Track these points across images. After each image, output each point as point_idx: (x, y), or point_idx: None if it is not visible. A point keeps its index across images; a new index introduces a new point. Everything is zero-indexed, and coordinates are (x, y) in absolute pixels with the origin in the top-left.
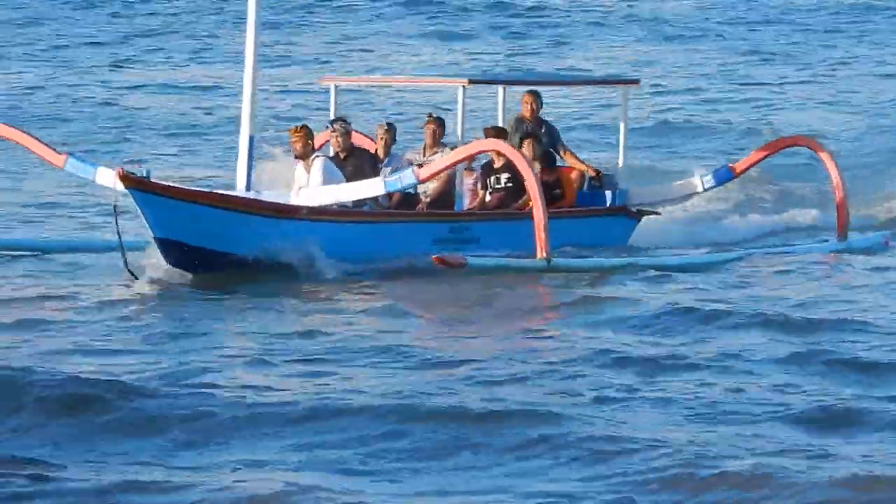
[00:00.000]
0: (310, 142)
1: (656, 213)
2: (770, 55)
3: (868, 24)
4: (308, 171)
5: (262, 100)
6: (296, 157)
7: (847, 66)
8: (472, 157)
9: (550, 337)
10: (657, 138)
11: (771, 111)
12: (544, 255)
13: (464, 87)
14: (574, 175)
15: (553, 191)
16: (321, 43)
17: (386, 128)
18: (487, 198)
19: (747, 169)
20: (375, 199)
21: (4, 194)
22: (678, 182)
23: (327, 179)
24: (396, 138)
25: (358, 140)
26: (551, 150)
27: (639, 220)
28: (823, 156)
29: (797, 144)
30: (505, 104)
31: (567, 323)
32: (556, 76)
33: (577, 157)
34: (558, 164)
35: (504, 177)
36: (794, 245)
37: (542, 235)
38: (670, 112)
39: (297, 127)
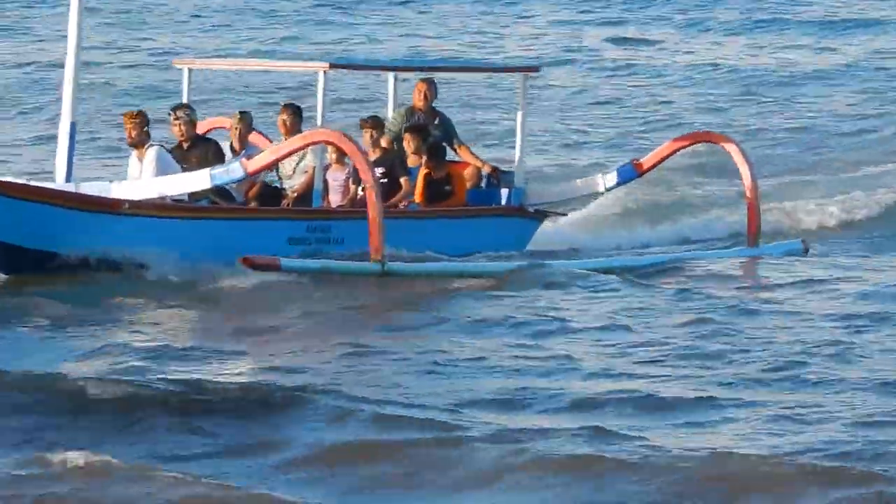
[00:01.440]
0: (145, 129)
1: (561, 214)
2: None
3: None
4: (141, 162)
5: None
6: (129, 145)
7: (772, 54)
8: (304, 148)
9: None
10: (559, 132)
11: (680, 104)
12: (378, 258)
13: (324, 72)
14: (468, 171)
15: (442, 188)
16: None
17: (239, 116)
18: (360, 193)
19: (654, 166)
20: (220, 193)
21: None
22: (579, 181)
23: (161, 171)
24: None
25: (254, 139)
26: (442, 143)
27: (541, 222)
28: (734, 152)
29: (707, 140)
30: (396, 92)
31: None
32: (445, 63)
33: (472, 153)
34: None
35: (378, 171)
36: (698, 252)
37: (378, 237)
38: (574, 102)
39: (132, 112)
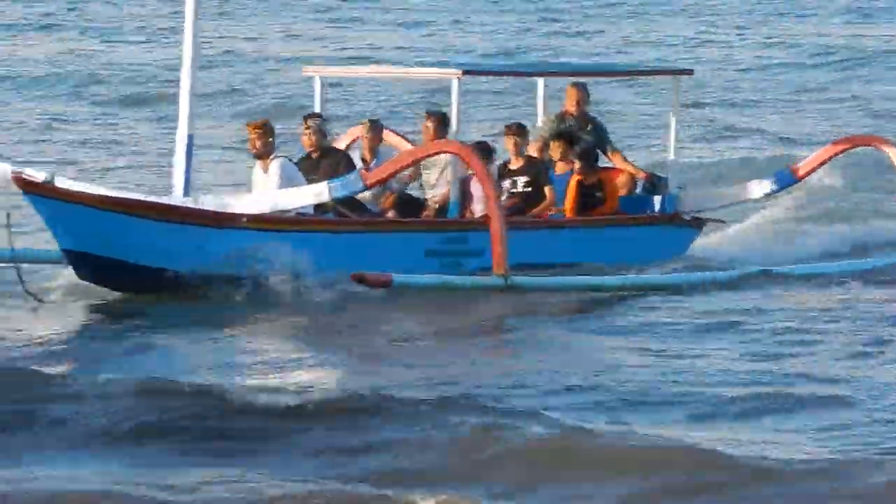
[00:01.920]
0: (270, 140)
1: (720, 222)
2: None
3: None
4: (266, 173)
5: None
6: (253, 156)
7: None
8: (425, 159)
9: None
10: (708, 137)
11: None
12: (501, 271)
13: (458, 78)
14: (622, 178)
15: (594, 195)
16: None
17: (368, 125)
18: (505, 202)
19: (812, 171)
20: (352, 205)
21: None
22: (734, 186)
23: (285, 183)
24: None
25: (391, 140)
26: (594, 149)
27: (699, 230)
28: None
29: (869, 144)
30: (546, 97)
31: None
32: (590, 66)
33: (626, 159)
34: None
35: (522, 180)
36: (867, 261)
37: (499, 249)
38: (721, 106)
39: (256, 122)
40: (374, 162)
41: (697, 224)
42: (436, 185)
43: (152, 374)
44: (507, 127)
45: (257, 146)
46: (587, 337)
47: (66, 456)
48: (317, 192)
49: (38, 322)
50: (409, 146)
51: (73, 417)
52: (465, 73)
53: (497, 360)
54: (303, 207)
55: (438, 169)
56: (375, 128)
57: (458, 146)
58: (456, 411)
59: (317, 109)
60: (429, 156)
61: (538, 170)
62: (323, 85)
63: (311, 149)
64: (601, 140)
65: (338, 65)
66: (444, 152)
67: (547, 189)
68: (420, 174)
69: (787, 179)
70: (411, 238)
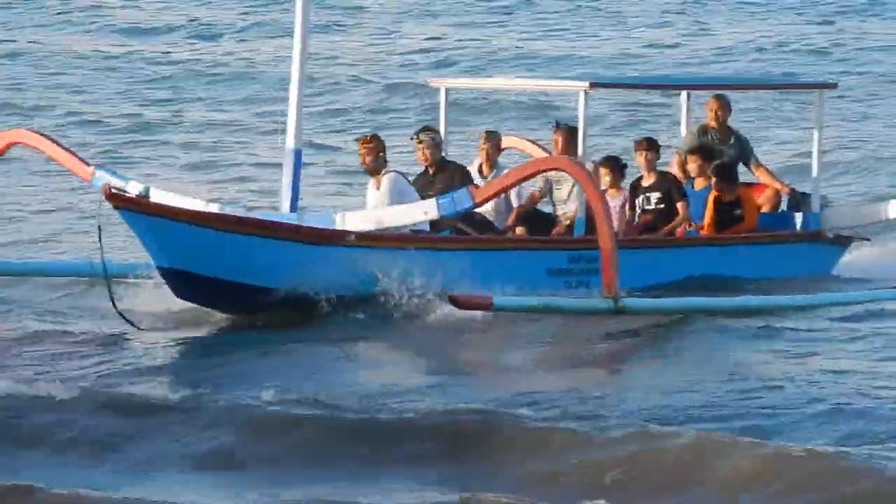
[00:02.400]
0: (381, 154)
1: (865, 240)
2: None
3: None
4: (378, 190)
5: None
6: (365, 171)
7: None
8: (534, 176)
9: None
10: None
11: None
12: (611, 294)
13: (585, 91)
14: (765, 195)
15: (732, 212)
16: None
17: (485, 136)
18: (636, 220)
19: None
20: (473, 221)
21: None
22: (875, 205)
23: (397, 199)
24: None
25: (525, 148)
26: (731, 163)
27: (844, 248)
28: None
29: None
30: (689, 110)
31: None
32: (723, 79)
33: (770, 174)
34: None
35: (654, 196)
36: None
37: (611, 271)
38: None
39: (366, 137)
40: (492, 174)
41: (843, 241)
42: (567, 200)
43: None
44: (636, 142)
45: (367, 161)
46: (722, 350)
47: (187, 478)
48: (425, 209)
49: (135, 343)
50: (541, 154)
51: (191, 442)
52: (593, 85)
53: (635, 376)
54: (416, 225)
55: (570, 184)
56: (492, 138)
57: (568, 162)
58: (614, 429)
59: (441, 122)
60: (538, 172)
61: (670, 185)
62: (447, 97)
63: (427, 163)
64: (744, 153)
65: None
66: (553, 169)
67: (680, 205)
68: (552, 189)
69: None
70: (530, 256)
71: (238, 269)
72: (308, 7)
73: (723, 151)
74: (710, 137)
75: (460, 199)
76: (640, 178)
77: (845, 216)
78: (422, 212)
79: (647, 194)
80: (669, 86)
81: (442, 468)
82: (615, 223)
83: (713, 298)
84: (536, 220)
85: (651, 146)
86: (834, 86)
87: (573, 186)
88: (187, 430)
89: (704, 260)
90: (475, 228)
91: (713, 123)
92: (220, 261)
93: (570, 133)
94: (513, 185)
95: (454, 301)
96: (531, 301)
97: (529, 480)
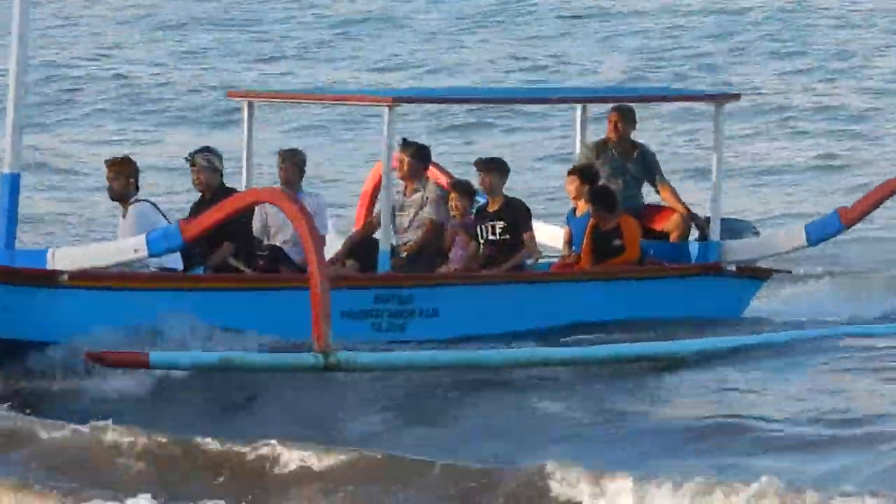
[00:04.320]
0: (131, 180)
1: (785, 272)
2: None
3: None
4: (125, 219)
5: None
6: (111, 198)
7: None
8: (243, 209)
9: None
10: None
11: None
12: (321, 347)
13: (389, 107)
14: (674, 220)
15: (611, 242)
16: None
17: (282, 156)
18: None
19: (863, 215)
20: (272, 257)
21: None
22: (780, 233)
23: (142, 232)
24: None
25: (434, 176)
26: (611, 189)
27: (760, 282)
28: None
29: None
30: (584, 124)
31: None
32: (582, 92)
33: (676, 195)
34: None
35: (499, 226)
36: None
37: (321, 322)
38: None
39: (115, 159)
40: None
41: (758, 275)
42: (409, 229)
43: None
44: (477, 162)
45: (115, 187)
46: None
47: None
48: (135, 247)
49: None
50: (439, 172)
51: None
52: (396, 100)
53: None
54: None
55: (413, 210)
56: (290, 157)
57: (270, 193)
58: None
59: (245, 138)
60: (254, 203)
61: (515, 213)
62: (251, 111)
63: (201, 188)
64: (649, 170)
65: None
66: (263, 201)
67: (526, 236)
68: (394, 216)
69: (835, 225)
70: (302, 297)
71: None
72: (27, 14)
73: (626, 169)
74: (609, 153)
75: (171, 236)
76: (487, 203)
77: (748, 247)
78: (132, 249)
79: (492, 223)
80: (483, 99)
81: None
82: (461, 254)
83: (469, 353)
84: (371, 251)
85: (489, 167)
86: (736, 97)
87: (415, 213)
88: None
89: (577, 297)
90: (277, 263)
91: (613, 136)
92: None
93: (417, 152)
94: (225, 218)
95: (99, 359)
96: (206, 357)
97: None
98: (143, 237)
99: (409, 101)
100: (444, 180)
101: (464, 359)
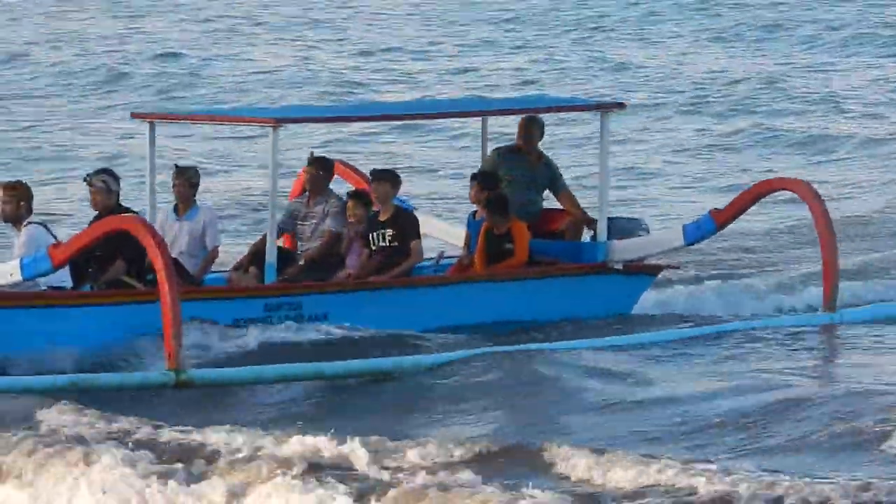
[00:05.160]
0: (23, 203)
1: (674, 268)
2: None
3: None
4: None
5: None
6: (5, 221)
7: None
8: (104, 237)
9: None
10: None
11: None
12: (173, 364)
13: (273, 127)
14: (568, 222)
15: (503, 245)
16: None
17: (175, 172)
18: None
19: (734, 217)
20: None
21: None
22: (656, 233)
23: (31, 252)
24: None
25: (355, 182)
26: (503, 195)
27: (649, 279)
28: (811, 202)
29: (783, 188)
30: (486, 134)
31: None
32: (484, 103)
33: (573, 200)
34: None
35: (388, 233)
36: (773, 318)
37: (171, 340)
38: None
39: (8, 184)
40: (185, 215)
41: (646, 271)
42: (311, 237)
43: None
44: (372, 172)
45: (7, 211)
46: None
47: None
48: (11, 271)
49: None
50: (351, 173)
51: None
52: (279, 121)
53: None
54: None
55: (314, 221)
56: (183, 174)
57: (130, 221)
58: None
59: (148, 159)
60: (109, 233)
61: (403, 222)
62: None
63: (98, 209)
64: (551, 179)
65: None
66: (121, 229)
67: (412, 244)
68: (296, 225)
69: (708, 226)
70: (208, 307)
71: None
72: None
73: (532, 176)
74: (516, 160)
75: (40, 260)
76: (379, 211)
77: (631, 246)
78: (8, 273)
79: (382, 230)
80: (367, 118)
81: None
82: (355, 261)
83: (300, 366)
84: (287, 261)
85: (382, 177)
86: (621, 105)
87: (317, 224)
88: None
89: (473, 299)
90: (180, 277)
91: (522, 144)
92: None
93: (320, 168)
94: (91, 243)
95: None
96: (49, 381)
97: None
98: (16, 262)
99: (293, 121)
100: (354, 181)
101: (311, 371)
